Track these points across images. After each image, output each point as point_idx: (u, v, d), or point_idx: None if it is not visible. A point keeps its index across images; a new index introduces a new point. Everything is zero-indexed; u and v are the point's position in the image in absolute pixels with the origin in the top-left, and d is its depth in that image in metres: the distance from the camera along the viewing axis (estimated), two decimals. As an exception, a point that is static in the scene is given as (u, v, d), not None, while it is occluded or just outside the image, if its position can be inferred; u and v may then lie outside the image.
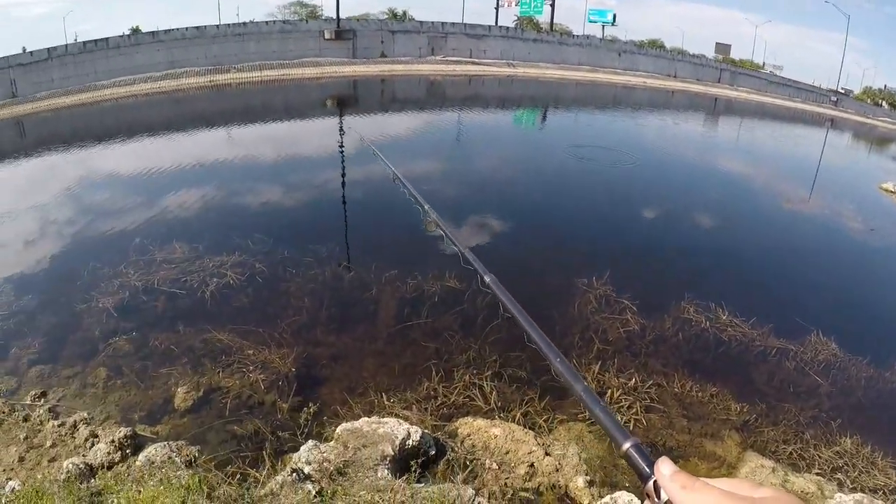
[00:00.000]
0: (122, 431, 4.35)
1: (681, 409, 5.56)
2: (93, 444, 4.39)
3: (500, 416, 5.04)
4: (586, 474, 4.31)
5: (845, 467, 4.96)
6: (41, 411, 4.93)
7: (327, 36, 39.12)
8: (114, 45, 31.72)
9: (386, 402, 5.19)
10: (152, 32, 33.91)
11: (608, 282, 7.77)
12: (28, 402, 5.11)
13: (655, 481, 0.69)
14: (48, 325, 6.61)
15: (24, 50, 29.39)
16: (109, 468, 3.97)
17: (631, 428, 5.12)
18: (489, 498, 3.85)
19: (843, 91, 51.50)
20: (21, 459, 4.34)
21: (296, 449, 4.13)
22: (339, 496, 3.37)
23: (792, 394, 6.08)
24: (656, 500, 0.68)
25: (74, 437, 4.57)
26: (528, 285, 7.83)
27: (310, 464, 3.74)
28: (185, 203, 11.27)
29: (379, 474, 3.68)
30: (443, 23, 43.90)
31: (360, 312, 7.05)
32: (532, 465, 4.31)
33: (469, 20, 46.70)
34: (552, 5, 49.30)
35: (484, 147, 19.04)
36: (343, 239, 9.50)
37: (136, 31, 36.65)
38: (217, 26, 36.04)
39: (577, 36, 51.44)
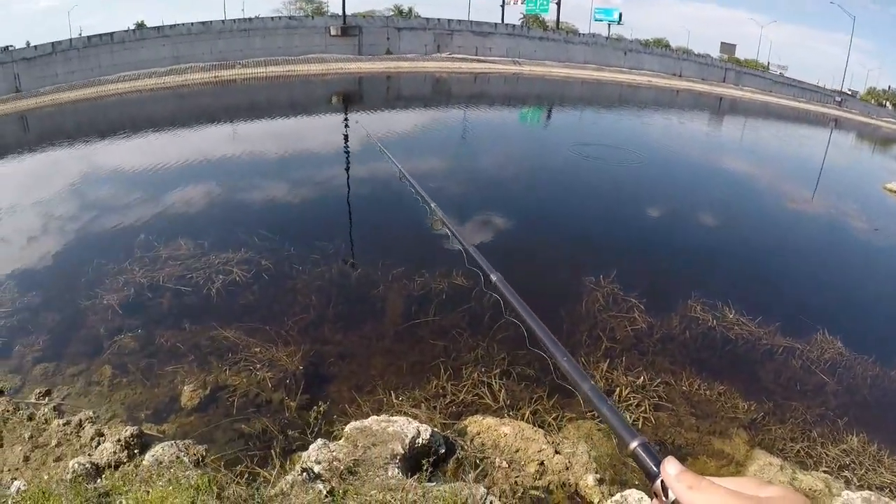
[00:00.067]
0: (129, 430, 4.29)
1: (689, 407, 5.53)
2: (99, 444, 4.32)
3: (509, 415, 5.01)
4: (596, 472, 4.28)
5: (852, 465, 4.94)
6: (46, 410, 4.86)
7: (333, 32, 39.10)
8: (119, 40, 31.71)
9: (394, 401, 5.15)
10: (157, 27, 33.91)
11: (615, 280, 7.73)
12: (32, 401, 5.05)
13: (663, 480, 0.68)
14: (52, 322, 6.57)
15: (28, 44, 29.39)
16: (116, 468, 3.91)
17: (640, 426, 5.10)
18: (500, 496, 3.82)
19: (849, 92, 51.32)
20: (26, 459, 4.29)
21: (304, 448, 4.08)
22: (351, 495, 3.34)
23: (799, 392, 6.06)
24: (664, 499, 0.68)
25: (80, 436, 4.51)
26: (535, 283, 7.78)
27: (319, 463, 3.70)
28: (189, 199, 11.25)
29: (389, 473, 3.65)
30: (449, 20, 43.87)
31: (368, 310, 7.02)
32: (542, 464, 4.28)
33: (475, 17, 46.80)
34: (558, 3, 49.28)
35: (489, 145, 18.99)
36: (349, 236, 9.46)
37: (141, 25, 36.69)
38: (223, 22, 36.02)
39: (583, 34, 51.39)
